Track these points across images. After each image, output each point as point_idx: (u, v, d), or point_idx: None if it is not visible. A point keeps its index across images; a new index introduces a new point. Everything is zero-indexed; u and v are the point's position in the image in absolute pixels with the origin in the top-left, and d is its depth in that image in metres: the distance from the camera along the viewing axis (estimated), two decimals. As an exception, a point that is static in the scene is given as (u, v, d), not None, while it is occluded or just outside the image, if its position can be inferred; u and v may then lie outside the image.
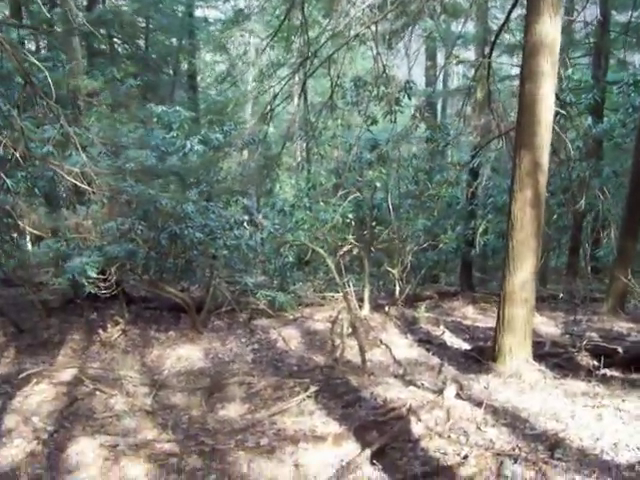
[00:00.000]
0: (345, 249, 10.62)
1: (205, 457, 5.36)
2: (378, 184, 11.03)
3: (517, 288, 6.80)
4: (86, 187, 7.42)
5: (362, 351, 7.59)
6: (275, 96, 10.61)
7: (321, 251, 9.05)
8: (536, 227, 6.73)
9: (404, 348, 8.78)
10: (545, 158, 6.65)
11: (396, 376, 7.31)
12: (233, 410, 6.68)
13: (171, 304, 10.46)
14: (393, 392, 6.44)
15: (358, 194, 11.00)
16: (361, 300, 10.22)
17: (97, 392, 7.04)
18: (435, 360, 8.09)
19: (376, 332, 9.38)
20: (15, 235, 10.61)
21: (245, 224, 11.23)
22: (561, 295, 11.82)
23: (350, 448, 5.31)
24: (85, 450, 5.53)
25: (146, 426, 6.22)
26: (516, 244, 6.74)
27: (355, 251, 11.01)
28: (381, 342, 8.98)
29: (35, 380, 7.22)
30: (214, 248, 9.92)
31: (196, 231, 9.46)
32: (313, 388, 6.65)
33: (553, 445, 4.87)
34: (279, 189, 14.43)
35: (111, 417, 6.41)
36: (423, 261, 12.34)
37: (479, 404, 5.75)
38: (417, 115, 11.66)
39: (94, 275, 8.22)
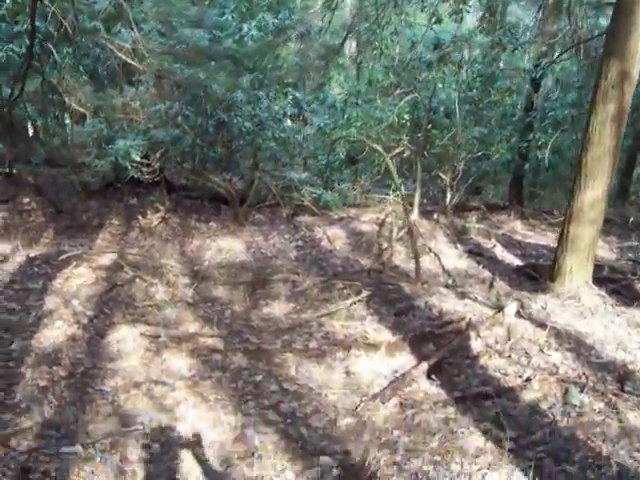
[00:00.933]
0: (398, 150, 10.05)
1: (250, 356, 5.12)
2: (439, 85, 10.29)
3: (586, 207, 6.27)
4: (137, 65, 6.95)
5: (417, 257, 7.19)
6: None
7: (379, 149, 8.51)
8: (614, 144, 6.10)
9: (453, 258, 8.38)
10: (636, 69, 5.93)
11: (447, 286, 6.94)
12: (278, 308, 6.42)
13: (212, 194, 10.13)
14: (448, 304, 6.07)
15: (416, 95, 10.31)
16: (410, 204, 9.75)
17: (137, 279, 6.81)
18: (486, 273, 7.69)
19: (425, 239, 8.97)
20: (59, 113, 10.22)
21: (292, 117, 10.70)
22: (626, 220, 11.13)
23: (404, 359, 5.02)
24: (125, 338, 5.32)
25: (187, 318, 5.99)
26: (590, 160, 6.14)
27: (407, 153, 10.43)
28: (430, 250, 8.58)
29: (75, 263, 6.99)
30: (262, 139, 9.42)
31: (245, 120, 8.96)
32: (365, 293, 6.29)
33: (622, 377, 4.48)
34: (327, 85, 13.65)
35: (151, 306, 6.19)
36: (474, 170, 11.71)
37: (541, 325, 5.34)
38: (486, 16, 10.75)
39: (137, 159, 7.86)
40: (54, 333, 5.36)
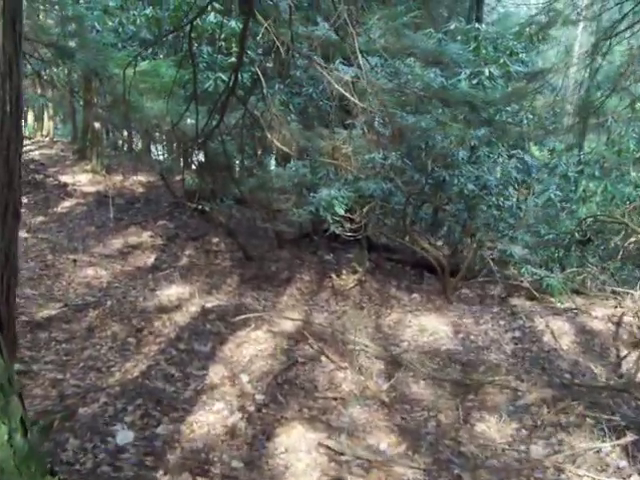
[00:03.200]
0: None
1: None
2: None
3: None
4: (356, 102, 5.80)
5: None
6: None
7: None
8: None
9: None
10: None
11: None
12: (495, 428, 4.75)
13: (416, 260, 8.73)
14: None
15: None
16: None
17: (322, 357, 5.51)
18: None
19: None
20: (260, 151, 9.45)
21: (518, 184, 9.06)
22: None
23: None
24: (298, 446, 3.97)
25: (379, 424, 4.53)
26: None
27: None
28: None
29: (253, 325, 5.87)
30: (486, 206, 7.89)
31: (468, 182, 7.49)
32: (629, 437, 4.37)
33: None
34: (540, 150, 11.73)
35: (336, 399, 4.82)
36: None
37: None
38: None
39: (341, 212, 6.68)
40: (211, 419, 4.18)
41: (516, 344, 6.86)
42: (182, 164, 9.06)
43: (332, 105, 7.53)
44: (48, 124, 16.09)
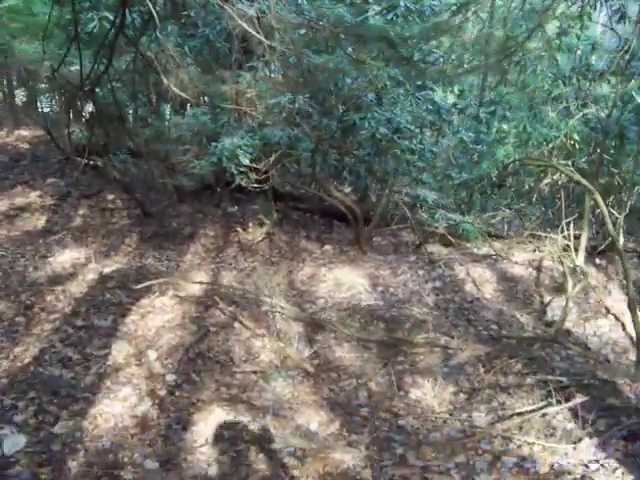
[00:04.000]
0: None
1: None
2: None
3: None
4: (261, 39, 5.26)
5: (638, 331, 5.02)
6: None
7: (587, 183, 6.45)
8: None
9: None
10: None
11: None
12: (431, 393, 4.50)
13: (324, 208, 8.36)
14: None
15: (591, 109, 8.16)
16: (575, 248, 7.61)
17: (236, 324, 5.08)
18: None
19: (597, 294, 6.86)
20: (155, 98, 8.65)
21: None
22: None
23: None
24: (219, 436, 3.55)
25: (306, 400, 4.17)
26: None
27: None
28: (607, 310, 6.51)
29: (157, 292, 5.34)
30: (400, 150, 7.53)
31: (379, 125, 7.09)
32: (578, 398, 4.14)
33: None
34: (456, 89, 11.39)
35: (256, 373, 4.41)
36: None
37: None
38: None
39: (246, 162, 6.14)
40: (117, 409, 3.69)
41: (437, 295, 6.66)
42: (69, 116, 8.11)
43: (232, 47, 6.88)
44: None
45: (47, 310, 4.88)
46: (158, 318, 4.92)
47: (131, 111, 8.45)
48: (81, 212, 8.21)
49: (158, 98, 8.30)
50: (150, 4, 4.55)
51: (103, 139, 7.50)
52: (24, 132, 10.71)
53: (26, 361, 4.12)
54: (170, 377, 4.13)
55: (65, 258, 6.15)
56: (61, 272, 5.77)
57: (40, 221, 7.85)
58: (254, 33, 5.16)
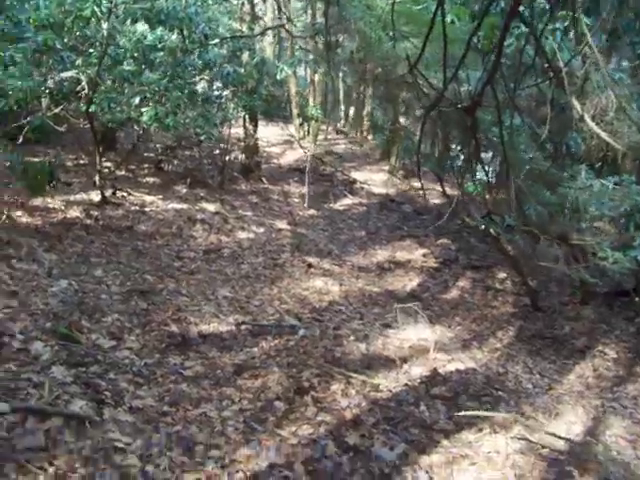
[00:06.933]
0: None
1: None
2: None
3: None
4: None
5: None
6: None
7: None
8: None
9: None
10: None
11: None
12: None
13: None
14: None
15: None
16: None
17: None
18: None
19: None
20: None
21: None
22: None
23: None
24: None
25: None
26: None
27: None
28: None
29: (488, 428, 3.51)
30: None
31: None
32: None
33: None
34: None
35: None
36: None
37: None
38: None
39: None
40: None
41: None
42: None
43: None
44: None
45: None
46: (470, 474, 3.02)
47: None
48: (461, 284, 6.99)
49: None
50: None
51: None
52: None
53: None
54: None
55: (407, 336, 4.84)
56: (391, 353, 4.42)
57: (412, 282, 6.83)
58: None
